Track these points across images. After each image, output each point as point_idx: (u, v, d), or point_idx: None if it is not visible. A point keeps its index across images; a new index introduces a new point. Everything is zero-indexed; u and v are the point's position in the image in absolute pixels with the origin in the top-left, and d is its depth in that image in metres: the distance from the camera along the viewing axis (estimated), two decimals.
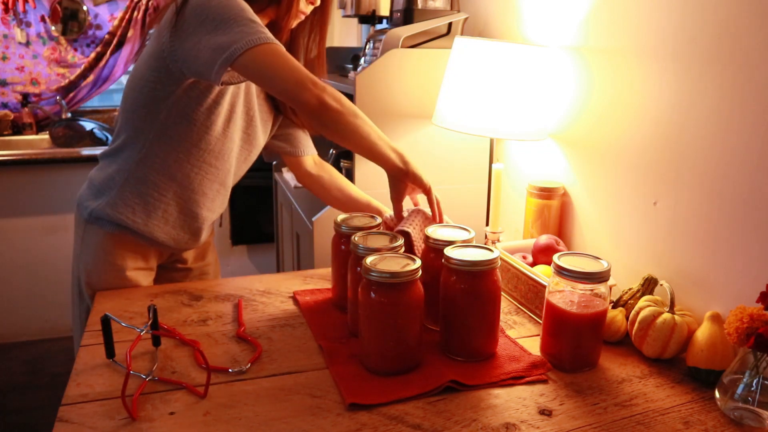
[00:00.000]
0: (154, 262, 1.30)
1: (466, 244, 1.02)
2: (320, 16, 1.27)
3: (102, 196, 1.20)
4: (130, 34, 3.04)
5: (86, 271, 1.22)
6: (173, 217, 1.23)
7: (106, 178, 1.21)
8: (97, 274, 1.22)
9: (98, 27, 3.08)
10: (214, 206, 1.29)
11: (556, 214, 1.37)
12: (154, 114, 1.14)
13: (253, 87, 1.25)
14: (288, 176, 2.08)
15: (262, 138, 1.32)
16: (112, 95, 3.30)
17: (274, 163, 2.19)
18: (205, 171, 1.22)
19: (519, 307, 1.21)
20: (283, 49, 1.03)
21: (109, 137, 2.98)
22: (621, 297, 1.09)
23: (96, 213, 1.20)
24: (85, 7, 3.02)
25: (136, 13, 3.02)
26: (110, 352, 0.94)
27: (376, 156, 1.11)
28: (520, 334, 1.09)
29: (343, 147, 1.15)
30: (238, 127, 1.24)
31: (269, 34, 1.02)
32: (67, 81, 3.05)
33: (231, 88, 1.17)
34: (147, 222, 1.21)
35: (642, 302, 1.02)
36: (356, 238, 1.03)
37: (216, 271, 1.50)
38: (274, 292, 1.24)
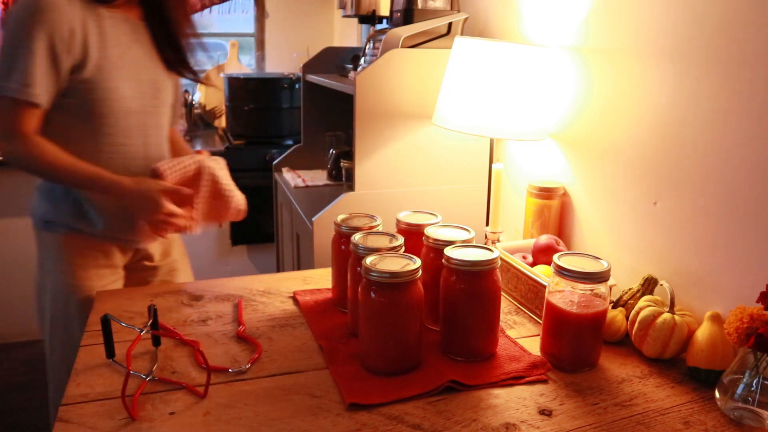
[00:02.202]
0: (119, 261, 1.29)
1: (466, 244, 1.02)
2: None
3: (47, 202, 1.22)
4: None
5: (50, 279, 1.23)
6: (113, 210, 1.21)
7: (46, 185, 1.24)
8: (62, 279, 1.22)
9: None
10: None
11: (556, 214, 1.37)
12: (53, 123, 1.15)
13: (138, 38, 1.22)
14: (288, 176, 2.07)
15: (166, 93, 1.28)
16: None
17: (275, 162, 2.19)
18: (124, 154, 1.20)
19: (519, 307, 1.21)
20: None
21: None
22: (621, 297, 1.09)
23: (45, 217, 1.22)
24: None
25: None
26: (110, 352, 0.94)
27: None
28: (520, 334, 1.09)
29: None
30: (131, 95, 1.19)
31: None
32: None
33: (87, 68, 1.13)
34: (91, 221, 1.21)
35: (642, 302, 1.02)
36: (356, 238, 1.03)
37: (185, 266, 1.47)
38: (274, 292, 1.24)
